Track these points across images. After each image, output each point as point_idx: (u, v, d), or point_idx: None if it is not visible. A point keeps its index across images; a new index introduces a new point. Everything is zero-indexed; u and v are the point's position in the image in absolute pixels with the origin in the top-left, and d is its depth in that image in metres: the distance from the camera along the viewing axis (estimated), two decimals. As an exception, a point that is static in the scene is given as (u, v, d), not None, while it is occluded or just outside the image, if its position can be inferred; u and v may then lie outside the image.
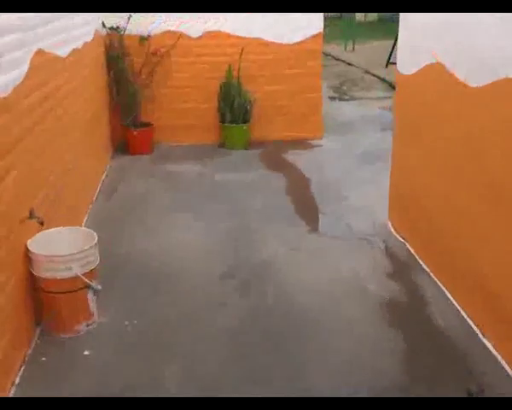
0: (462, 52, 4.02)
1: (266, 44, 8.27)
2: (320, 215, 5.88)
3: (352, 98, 11.85)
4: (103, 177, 6.93)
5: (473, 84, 3.89)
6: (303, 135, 8.51)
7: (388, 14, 30.25)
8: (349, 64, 16.05)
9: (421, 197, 4.88)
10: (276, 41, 8.27)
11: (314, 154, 8.02)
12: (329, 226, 5.64)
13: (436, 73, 4.41)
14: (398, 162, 5.42)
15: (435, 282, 4.53)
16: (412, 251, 5.05)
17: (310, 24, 8.23)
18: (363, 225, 5.62)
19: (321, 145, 8.33)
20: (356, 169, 7.22)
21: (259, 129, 8.38)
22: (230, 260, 4.96)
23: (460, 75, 4.05)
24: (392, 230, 5.47)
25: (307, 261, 4.95)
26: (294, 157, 7.75)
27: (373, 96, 11.85)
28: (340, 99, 11.80)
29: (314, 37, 8.30)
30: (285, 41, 8.29)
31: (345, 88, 12.88)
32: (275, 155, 7.88)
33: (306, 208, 6.08)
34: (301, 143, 8.32)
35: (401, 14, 5.14)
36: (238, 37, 8.18)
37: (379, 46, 18.96)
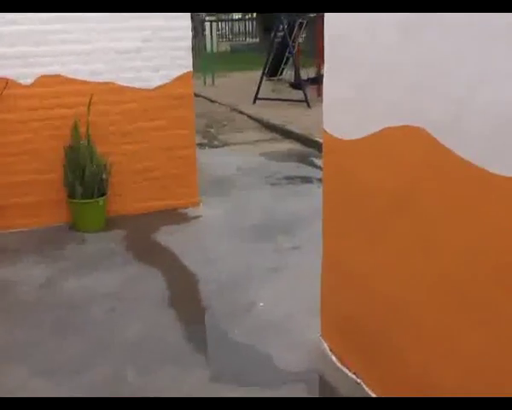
0: (460, 111, 2.44)
1: (120, 90, 6.35)
2: (225, 343, 4.06)
3: (225, 143, 10.16)
4: None
5: (494, 170, 2.32)
6: (175, 203, 6.63)
7: (239, 44, 29.48)
8: (212, 101, 14.37)
9: (385, 320, 3.24)
10: (132, 85, 6.38)
11: (193, 230, 6.19)
12: (243, 364, 3.82)
13: (413, 141, 2.80)
14: (336, 264, 3.75)
15: None
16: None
17: (175, 62, 6.44)
18: (290, 353, 3.88)
19: (199, 216, 6.50)
20: (252, 252, 5.47)
21: (120, 200, 6.43)
22: None
23: (459, 149, 2.48)
24: (334, 358, 3.78)
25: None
26: (169, 238, 5.86)
27: (249, 140, 10.24)
28: (211, 146, 10.07)
29: (181, 78, 6.49)
30: (144, 85, 6.40)
31: (213, 131, 11.18)
32: (143, 238, 5.95)
33: (203, 333, 4.26)
34: (174, 215, 6.46)
35: (326, 46, 3.51)
36: (83, 81, 6.18)
37: (239, 78, 17.67)
